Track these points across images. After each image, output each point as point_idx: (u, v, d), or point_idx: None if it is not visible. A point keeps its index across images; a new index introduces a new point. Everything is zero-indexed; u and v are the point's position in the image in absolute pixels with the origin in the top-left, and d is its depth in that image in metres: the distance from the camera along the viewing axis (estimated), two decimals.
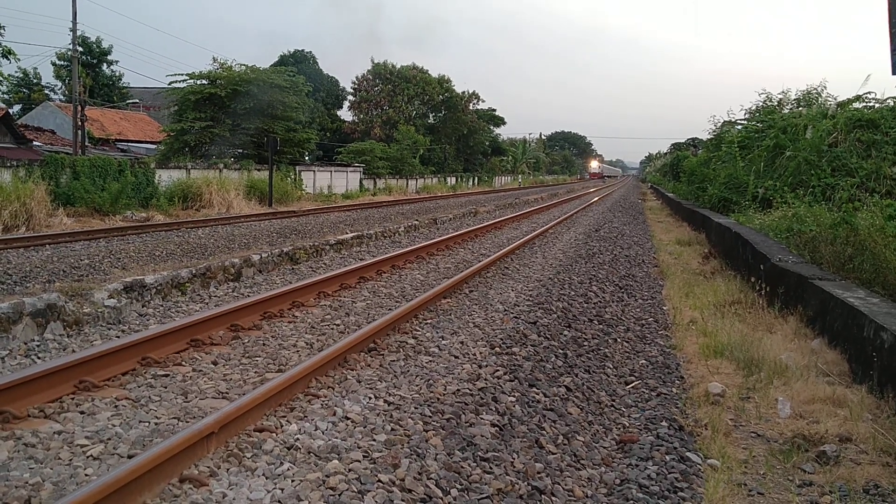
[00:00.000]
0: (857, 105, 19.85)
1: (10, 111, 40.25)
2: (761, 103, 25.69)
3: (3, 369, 6.34)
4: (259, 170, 33.01)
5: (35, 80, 57.48)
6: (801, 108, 22.78)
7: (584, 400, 6.66)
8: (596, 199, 43.76)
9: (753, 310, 9.96)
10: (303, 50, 69.05)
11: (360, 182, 47.45)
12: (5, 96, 51.87)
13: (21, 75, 55.55)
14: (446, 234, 18.76)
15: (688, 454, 5.45)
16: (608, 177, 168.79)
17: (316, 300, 9.59)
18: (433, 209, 29.63)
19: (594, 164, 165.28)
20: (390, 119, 68.54)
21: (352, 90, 73.15)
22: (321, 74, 68.65)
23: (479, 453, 4.87)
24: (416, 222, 21.41)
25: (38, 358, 6.73)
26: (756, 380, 7.09)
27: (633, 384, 7.43)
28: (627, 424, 6.32)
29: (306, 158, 45.61)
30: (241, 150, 36.82)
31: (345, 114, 73.39)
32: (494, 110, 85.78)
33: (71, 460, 4.31)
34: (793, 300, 9.29)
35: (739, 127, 25.77)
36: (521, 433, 5.43)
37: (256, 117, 35.08)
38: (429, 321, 8.53)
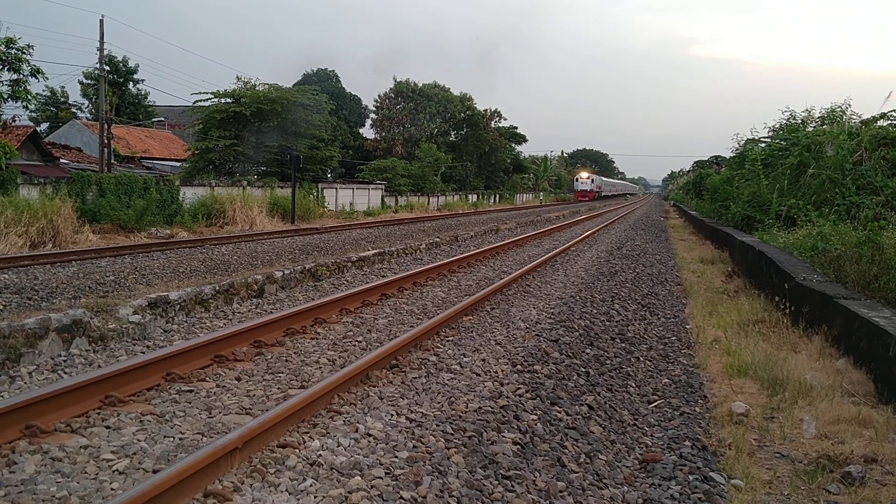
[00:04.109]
0: (881, 123, 19.72)
1: (38, 129, 40.79)
2: (785, 121, 25.60)
3: (31, 384, 6.43)
4: (282, 187, 33.26)
5: (62, 99, 58.31)
6: (825, 126, 22.66)
7: (607, 419, 6.64)
8: (614, 218, 43.56)
9: (778, 329, 9.89)
10: (326, 68, 69.55)
11: (382, 199, 47.62)
12: (33, 115, 52.61)
13: (49, 94, 56.41)
14: (468, 251, 18.78)
15: (711, 474, 5.41)
16: (627, 195, 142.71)
17: (338, 317, 9.64)
18: (455, 226, 29.67)
19: (583, 176, 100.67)
20: (412, 137, 68.78)
21: (374, 108, 73.60)
22: (343, 92, 69.10)
23: (501, 471, 4.86)
24: (437, 239, 21.46)
25: (65, 373, 6.81)
26: (780, 399, 7.03)
27: (655, 403, 7.40)
28: (650, 443, 6.29)
29: (329, 176, 45.89)
30: (264, 168, 37.10)
31: (367, 131, 73.80)
32: (516, 128, 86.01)
33: (97, 474, 4.36)
34: (817, 319, 9.21)
35: (763, 145, 25.66)
36: (542, 451, 5.42)
37: (280, 135, 35.37)
38: (450, 338, 8.54)
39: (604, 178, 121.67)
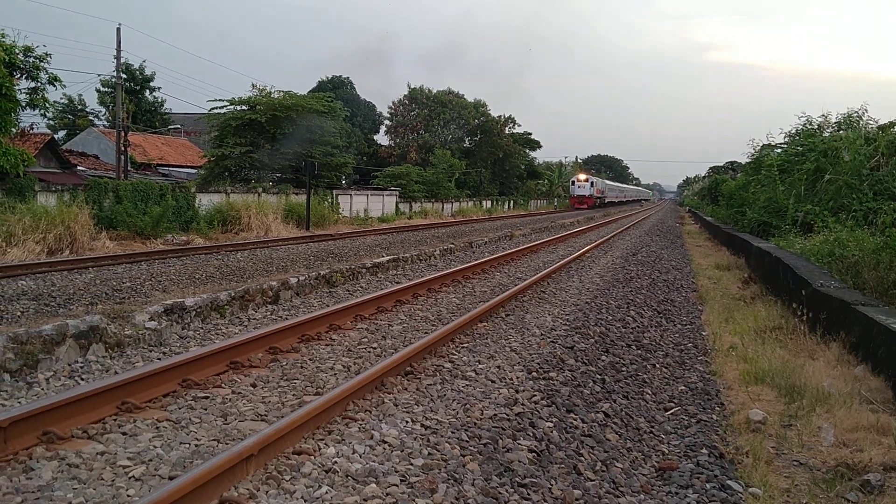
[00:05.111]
0: None
1: (56, 137, 41.09)
2: (801, 126, 25.46)
3: (48, 390, 6.46)
4: (297, 194, 33.35)
5: (80, 107, 58.75)
6: (841, 132, 22.53)
7: (623, 426, 6.60)
8: (629, 224, 43.41)
9: (795, 336, 9.81)
10: (340, 76, 69.86)
11: (396, 205, 47.70)
12: (51, 122, 52.97)
13: (66, 102, 56.84)
14: (482, 257, 18.76)
15: (729, 482, 5.37)
16: (641, 200, 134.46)
17: (353, 323, 9.64)
18: (469, 232, 29.67)
19: (580, 178, 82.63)
20: (426, 143, 68.94)
21: (388, 115, 73.83)
22: (358, 99, 69.37)
23: (517, 479, 4.85)
24: (451, 245, 21.45)
25: (82, 379, 6.84)
26: (798, 407, 6.98)
27: (672, 410, 7.35)
28: (667, 451, 6.25)
29: (343, 182, 46.00)
30: (279, 175, 37.24)
31: (381, 138, 74.08)
32: (530, 134, 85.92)
33: (113, 481, 4.37)
34: (835, 326, 9.14)
35: (779, 150, 25.53)
36: (558, 459, 5.39)
37: (295, 142, 35.51)
38: (465, 345, 8.53)
39: (608, 182, 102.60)
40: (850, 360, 8.29)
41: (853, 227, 14.99)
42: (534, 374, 7.30)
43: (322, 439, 5.15)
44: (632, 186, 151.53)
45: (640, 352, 9.47)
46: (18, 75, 22.85)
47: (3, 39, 21.87)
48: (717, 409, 7.30)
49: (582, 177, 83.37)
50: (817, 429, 6.37)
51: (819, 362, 8.37)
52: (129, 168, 36.12)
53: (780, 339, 9.87)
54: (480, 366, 7.46)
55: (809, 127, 24.96)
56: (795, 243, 16.31)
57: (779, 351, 9.12)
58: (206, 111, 37.65)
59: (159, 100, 60.85)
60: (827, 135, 23.17)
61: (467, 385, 6.75)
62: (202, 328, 9.35)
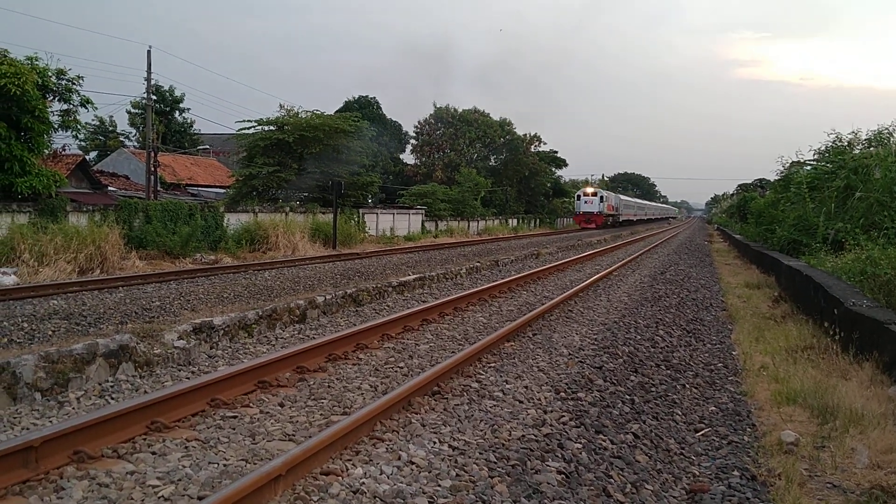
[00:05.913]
0: None
1: (87, 158, 41.68)
2: (831, 143, 25.19)
3: (79, 410, 6.52)
4: (324, 213, 33.54)
5: (111, 128, 59.59)
6: (872, 148, 22.27)
7: (653, 447, 6.53)
8: (657, 243, 43.11)
9: (827, 355, 9.67)
10: (367, 95, 70.23)
11: (422, 224, 47.79)
12: (82, 143, 53.72)
13: (98, 123, 57.70)
14: (508, 276, 18.71)
15: None
16: (669, 218, 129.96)
17: (380, 342, 9.64)
18: (495, 251, 29.63)
19: (588, 192, 70.69)
20: (452, 162, 69.03)
21: (414, 134, 74.11)
22: (384, 119, 69.70)
23: (546, 501, 4.80)
24: (477, 264, 21.42)
25: (112, 399, 6.90)
26: (831, 428, 6.86)
27: (702, 431, 7.26)
28: (698, 473, 6.17)
29: (369, 201, 46.16)
30: (306, 194, 37.47)
31: (407, 157, 74.29)
32: (556, 152, 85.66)
33: (143, 501, 4.39)
34: (868, 345, 9.00)
35: (808, 167, 25.28)
36: (587, 481, 5.34)
37: (322, 162, 35.73)
38: (492, 364, 8.49)
39: (623, 197, 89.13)
40: (884, 380, 8.15)
41: (885, 244, 14.78)
42: (562, 394, 7.25)
43: (350, 460, 5.15)
44: (654, 203, 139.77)
45: (669, 372, 9.38)
46: (51, 98, 23.27)
47: (37, 63, 22.31)
48: (749, 430, 7.20)
49: (589, 190, 71.19)
50: (851, 450, 6.26)
51: (852, 382, 8.24)
52: (158, 188, 36.57)
53: (812, 358, 9.73)
54: (508, 386, 7.43)
55: (839, 144, 24.69)
56: (826, 261, 16.12)
57: (811, 371, 8.99)
58: (235, 132, 38.04)
59: (188, 121, 61.69)
60: (857, 151, 22.91)
61: (495, 405, 6.72)
62: (230, 347, 9.41)
